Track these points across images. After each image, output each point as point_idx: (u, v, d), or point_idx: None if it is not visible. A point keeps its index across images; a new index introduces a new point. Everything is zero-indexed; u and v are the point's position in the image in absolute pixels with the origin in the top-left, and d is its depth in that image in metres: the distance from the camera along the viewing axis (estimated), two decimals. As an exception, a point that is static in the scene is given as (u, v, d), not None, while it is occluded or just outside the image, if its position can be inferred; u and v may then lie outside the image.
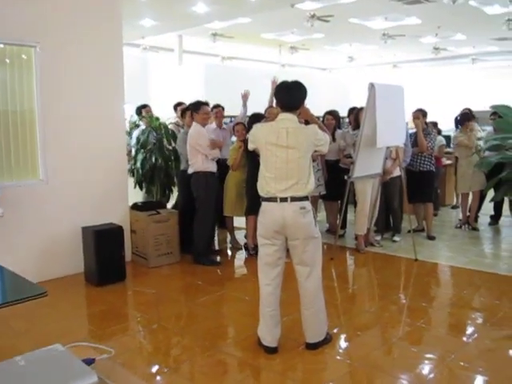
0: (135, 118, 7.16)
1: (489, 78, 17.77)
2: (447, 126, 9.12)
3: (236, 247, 6.06)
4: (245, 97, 6.35)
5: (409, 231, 6.04)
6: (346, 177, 5.56)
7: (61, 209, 4.88)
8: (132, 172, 6.18)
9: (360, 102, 5.99)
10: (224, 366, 3.30)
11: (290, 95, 3.27)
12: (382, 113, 5.18)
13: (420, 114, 6.26)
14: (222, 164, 5.62)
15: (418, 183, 6.27)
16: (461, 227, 6.95)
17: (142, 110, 6.91)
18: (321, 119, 6.12)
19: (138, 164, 5.99)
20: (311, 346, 3.37)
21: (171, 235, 5.40)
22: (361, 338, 3.66)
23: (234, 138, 6.14)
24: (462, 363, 3.20)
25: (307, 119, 3.60)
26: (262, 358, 3.30)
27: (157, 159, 5.91)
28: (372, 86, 5.18)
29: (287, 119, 3.22)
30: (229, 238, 6.24)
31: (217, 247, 6.13)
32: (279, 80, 3.59)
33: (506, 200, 6.87)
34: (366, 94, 5.25)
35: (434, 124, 7.53)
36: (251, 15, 10.90)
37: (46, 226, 4.81)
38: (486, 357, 3.33)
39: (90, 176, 5.06)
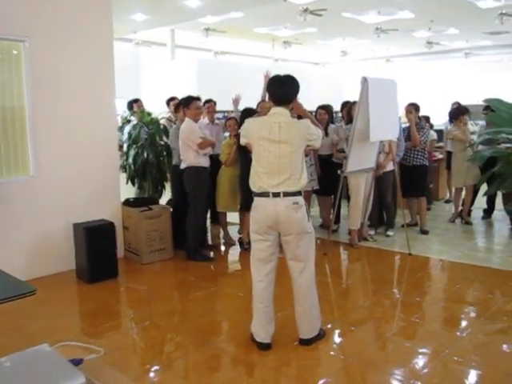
0: (127, 113, 7.10)
1: (481, 73, 17.82)
2: (439, 120, 9.11)
3: (229, 243, 6.03)
4: (236, 102, 6.32)
5: (402, 225, 6.03)
6: (339, 171, 5.54)
7: (52, 205, 4.83)
8: (124, 168, 6.13)
9: (353, 96, 5.96)
10: (217, 363, 3.27)
11: (282, 89, 3.24)
12: (375, 107, 5.16)
13: (413, 108, 6.24)
14: (214, 159, 5.59)
15: (412, 177, 6.26)
16: (454, 221, 6.96)
17: (133, 104, 6.86)
18: (314, 114, 6.10)
19: (130, 160, 5.94)
20: (305, 342, 3.35)
21: (164, 231, 5.36)
22: (355, 334, 3.65)
23: (226, 134, 6.10)
24: (455, 358, 3.19)
25: (300, 114, 3.57)
26: (255, 354, 3.28)
27: (148, 155, 5.86)
28: (365, 80, 5.15)
29: (280, 114, 3.19)
30: (222, 233, 6.21)
31: (210, 243, 6.10)
32: (272, 74, 3.56)
33: (499, 194, 6.88)
34: (359, 89, 5.22)
35: (427, 118, 7.52)
36: (244, 10, 10.85)
37: (37, 222, 4.76)
38: (480, 351, 3.32)
39: (81, 172, 5.00)
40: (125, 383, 2.94)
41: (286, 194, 3.14)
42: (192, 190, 5.22)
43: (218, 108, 6.53)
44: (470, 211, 7.04)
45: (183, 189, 5.31)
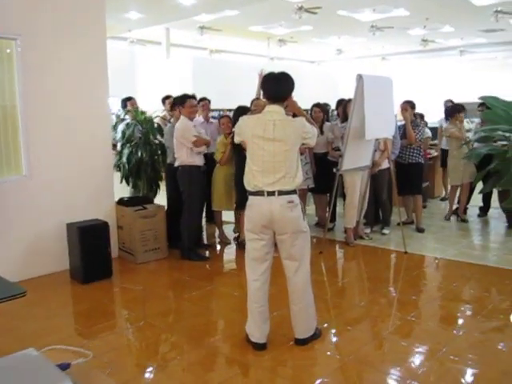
0: (121, 111, 7.05)
1: (476, 70, 17.84)
2: (434, 117, 9.10)
3: (225, 242, 6.00)
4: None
5: (398, 224, 6.01)
6: (334, 169, 5.52)
7: (45, 205, 4.79)
8: (118, 167, 6.08)
9: (349, 94, 5.93)
10: (212, 364, 3.24)
11: (277, 86, 3.21)
12: (371, 104, 5.13)
13: (408, 105, 6.22)
14: (209, 158, 5.55)
15: (407, 175, 6.24)
16: (449, 219, 6.95)
17: (126, 102, 6.81)
18: (309, 112, 6.07)
19: (124, 159, 5.89)
20: (301, 342, 3.33)
21: (158, 230, 5.33)
22: (351, 333, 3.62)
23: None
24: (452, 356, 3.18)
25: (294, 112, 3.54)
26: (250, 354, 3.26)
27: (142, 154, 5.81)
28: (360, 78, 5.12)
29: (274, 111, 3.16)
30: (217, 232, 6.17)
31: (205, 242, 6.07)
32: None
33: (495, 191, 6.88)
34: (355, 86, 5.19)
35: (421, 116, 7.51)
36: (239, 8, 10.80)
37: (30, 222, 4.71)
38: (477, 350, 3.30)
39: (74, 171, 4.96)
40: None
41: (281, 193, 3.10)
42: (186, 188, 5.19)
43: (213, 106, 6.49)
44: (466, 209, 7.04)
45: (178, 187, 5.28)
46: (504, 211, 6.70)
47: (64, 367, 2.53)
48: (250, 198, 3.20)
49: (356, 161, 5.52)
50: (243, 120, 3.31)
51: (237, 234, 5.96)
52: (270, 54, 17.34)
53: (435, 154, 8.24)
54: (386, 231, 6.26)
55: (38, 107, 4.68)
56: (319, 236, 6.02)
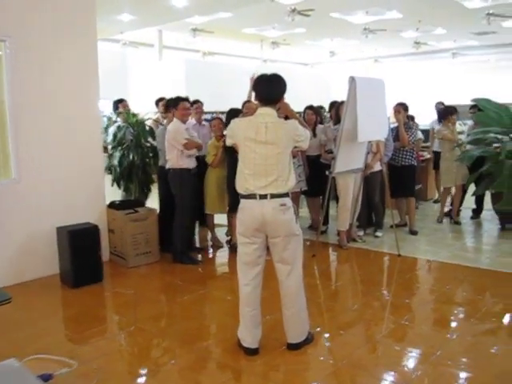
0: (113, 114, 6.99)
1: (469, 73, 17.92)
2: (426, 120, 9.09)
3: (217, 245, 5.96)
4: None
5: (391, 226, 5.99)
6: (327, 172, 5.49)
7: (35, 208, 4.73)
8: (109, 169, 6.03)
9: (341, 96, 5.91)
10: (204, 369, 3.20)
11: (269, 88, 3.18)
12: (363, 106, 5.11)
13: (401, 108, 6.21)
14: (201, 160, 5.51)
15: (400, 177, 6.23)
16: (441, 221, 6.94)
17: (118, 104, 6.75)
18: (302, 115, 6.05)
19: (116, 161, 5.83)
20: (293, 347, 3.29)
21: (150, 234, 5.28)
22: (344, 337, 3.59)
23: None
24: (446, 360, 3.16)
25: (287, 114, 3.51)
26: (242, 359, 3.22)
27: (134, 156, 5.76)
28: (353, 80, 5.10)
29: (266, 114, 3.13)
30: (209, 235, 6.13)
31: (197, 245, 6.02)
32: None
33: (488, 193, 6.88)
34: (347, 88, 5.17)
35: (411, 118, 7.51)
36: (232, 10, 10.76)
37: (19, 226, 4.65)
38: (470, 353, 3.28)
39: (64, 174, 4.90)
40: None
41: (274, 196, 3.07)
42: (178, 192, 5.15)
43: (205, 109, 6.45)
44: (459, 211, 7.03)
45: (170, 190, 5.23)
46: (497, 213, 6.70)
47: (46, 378, 2.46)
48: (242, 201, 3.17)
49: (349, 163, 5.49)
50: (235, 123, 3.28)
51: (229, 237, 5.92)
52: (263, 57, 17.33)
53: (428, 156, 8.24)
54: (378, 234, 6.24)
55: (27, 110, 4.62)
56: (312, 239, 5.99)
